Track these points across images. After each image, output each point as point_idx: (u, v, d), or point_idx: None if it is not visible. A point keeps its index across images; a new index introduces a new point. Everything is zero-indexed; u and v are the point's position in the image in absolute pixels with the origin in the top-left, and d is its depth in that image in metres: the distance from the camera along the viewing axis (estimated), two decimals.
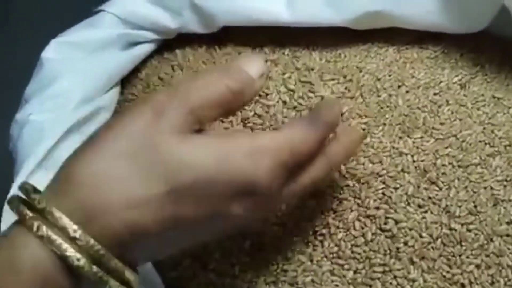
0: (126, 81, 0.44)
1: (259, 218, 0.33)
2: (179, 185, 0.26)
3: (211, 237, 0.32)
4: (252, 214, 0.28)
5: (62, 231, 0.24)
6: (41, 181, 0.34)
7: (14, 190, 0.33)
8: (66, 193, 0.25)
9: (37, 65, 0.39)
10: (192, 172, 0.26)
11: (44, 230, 0.24)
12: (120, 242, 0.26)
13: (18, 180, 0.33)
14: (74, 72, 0.38)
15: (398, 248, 0.36)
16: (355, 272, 0.36)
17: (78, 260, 0.24)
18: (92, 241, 0.25)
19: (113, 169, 0.25)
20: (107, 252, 0.25)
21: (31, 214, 0.25)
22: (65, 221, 0.25)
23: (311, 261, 0.37)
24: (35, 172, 0.34)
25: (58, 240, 0.24)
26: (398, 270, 0.36)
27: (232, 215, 0.27)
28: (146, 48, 0.43)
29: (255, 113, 0.39)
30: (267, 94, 0.40)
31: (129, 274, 0.26)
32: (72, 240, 0.24)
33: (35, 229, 0.24)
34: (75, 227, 0.24)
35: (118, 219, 0.25)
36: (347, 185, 0.37)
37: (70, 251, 0.24)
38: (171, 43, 0.45)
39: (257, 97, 0.40)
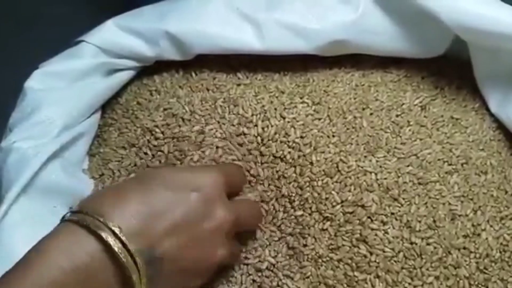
0: (106, 106, 0.46)
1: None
2: None
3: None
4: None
5: None
6: (25, 205, 0.36)
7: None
8: None
9: (20, 94, 0.40)
10: None
11: None
12: None
13: (4, 206, 0.35)
14: (56, 101, 0.40)
15: (364, 263, 0.38)
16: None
17: None
18: None
19: None
20: None
21: None
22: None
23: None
24: (19, 197, 0.36)
25: None
26: (366, 284, 0.37)
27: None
28: (126, 75, 0.45)
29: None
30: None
31: None
32: None
33: None
34: None
35: None
36: (314, 202, 0.39)
37: None
38: (150, 69, 0.46)
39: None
